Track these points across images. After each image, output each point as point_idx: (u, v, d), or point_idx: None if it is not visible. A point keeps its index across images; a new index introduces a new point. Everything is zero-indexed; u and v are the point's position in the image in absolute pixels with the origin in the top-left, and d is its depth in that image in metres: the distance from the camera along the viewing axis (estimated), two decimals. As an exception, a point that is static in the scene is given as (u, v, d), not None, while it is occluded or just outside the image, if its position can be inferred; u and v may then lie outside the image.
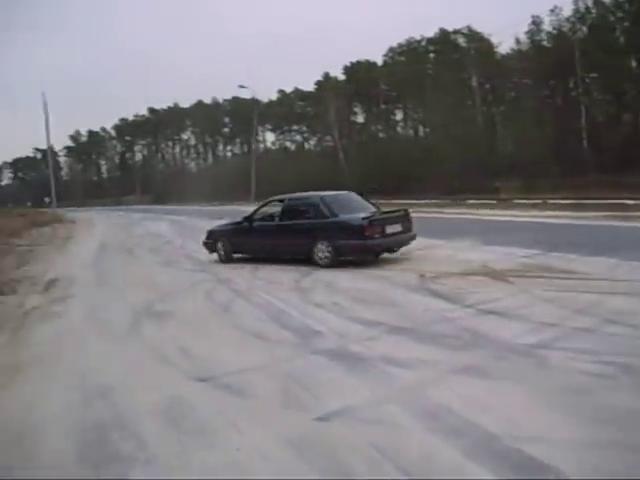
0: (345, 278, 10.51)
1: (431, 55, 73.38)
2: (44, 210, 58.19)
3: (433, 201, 36.80)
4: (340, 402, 4.75)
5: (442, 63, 66.73)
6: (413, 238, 13.44)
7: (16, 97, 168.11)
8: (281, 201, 14.28)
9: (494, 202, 33.63)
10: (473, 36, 67.05)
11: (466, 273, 10.30)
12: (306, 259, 12.55)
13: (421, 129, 78.87)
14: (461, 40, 69.08)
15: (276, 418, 4.60)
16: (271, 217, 14.23)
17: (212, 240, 15.05)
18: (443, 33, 70.58)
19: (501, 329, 6.52)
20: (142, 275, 12.91)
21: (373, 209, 13.59)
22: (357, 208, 13.36)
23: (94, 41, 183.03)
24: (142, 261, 15.77)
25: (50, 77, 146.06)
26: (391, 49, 76.40)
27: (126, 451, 4.23)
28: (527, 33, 58.60)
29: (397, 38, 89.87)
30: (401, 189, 49.78)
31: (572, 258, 11.18)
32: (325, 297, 8.89)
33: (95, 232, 30.31)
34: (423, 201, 36.93)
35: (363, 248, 12.30)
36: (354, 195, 14.68)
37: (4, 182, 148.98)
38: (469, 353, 5.78)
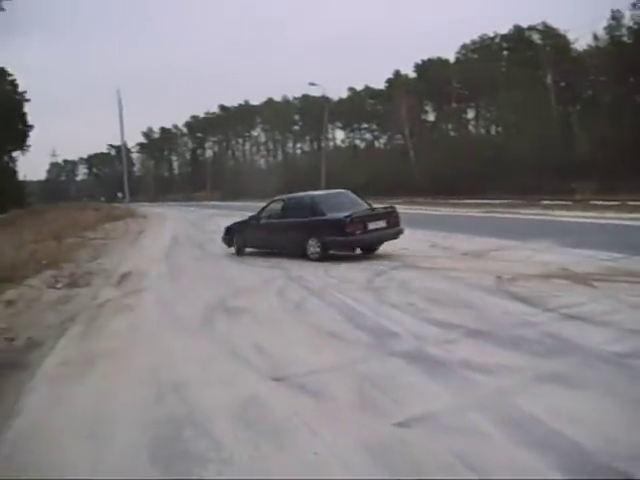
0: (419, 278, 10.27)
1: (505, 52, 72.02)
2: (117, 205, 59.46)
3: (506, 201, 35.99)
4: (420, 407, 4.56)
5: (516, 60, 65.41)
6: (399, 232, 14.57)
7: (92, 95, 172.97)
8: (282, 200, 15.82)
9: (570, 203, 32.70)
10: (549, 32, 65.43)
11: (545, 276, 9.94)
12: (301, 254, 13.84)
13: (493, 128, 77.55)
14: (536, 37, 67.46)
15: (354, 422, 4.44)
16: (274, 215, 15.53)
17: (229, 236, 16.65)
18: (517, 30, 69.09)
19: (587, 335, 6.21)
20: (214, 270, 12.96)
21: (363, 207, 14.55)
22: (346, 206, 14.33)
23: (167, 39, 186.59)
24: (214, 257, 15.83)
25: (124, 75, 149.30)
26: (464, 46, 75.41)
27: (199, 450, 4.15)
28: (606, 29, 56.77)
29: (470, 35, 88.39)
30: (473, 189, 48.97)
31: (659, 262, 10.74)
32: (400, 297, 8.68)
33: (167, 227, 30.76)
34: (496, 201, 36.18)
35: (346, 243, 13.66)
36: (348, 194, 15.71)
37: (79, 177, 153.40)
38: (554, 360, 5.51)
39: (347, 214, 13.53)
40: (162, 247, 19.04)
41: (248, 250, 15.79)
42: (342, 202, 14.84)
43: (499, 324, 6.87)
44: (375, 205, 14.93)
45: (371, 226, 13.74)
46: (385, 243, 14.50)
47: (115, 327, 8.01)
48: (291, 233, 14.54)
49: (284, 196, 16.33)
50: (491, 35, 72.70)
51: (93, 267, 14.50)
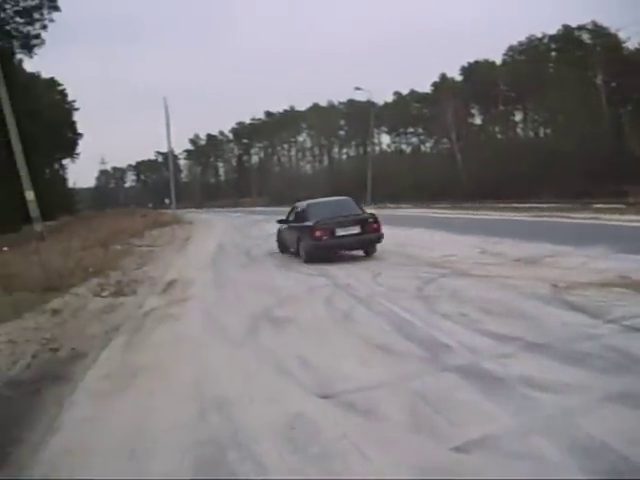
0: (471, 286, 9.91)
1: (553, 53, 70.83)
2: (164, 211, 59.93)
3: (556, 205, 35.24)
4: (479, 430, 4.25)
5: (565, 61, 64.24)
6: (379, 237, 15.41)
7: (140, 103, 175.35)
8: (294, 207, 17.27)
9: (623, 207, 31.83)
10: (598, 32, 64.13)
11: (603, 284, 9.49)
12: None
13: (542, 131, 76.39)
14: (585, 37, 66.19)
15: (407, 445, 4.15)
16: (290, 220, 17.00)
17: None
18: (566, 30, 67.83)
19: (655, 350, 5.84)
20: (259, 278, 12.77)
21: (352, 214, 15.66)
22: (335, 213, 15.38)
23: (214, 47, 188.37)
24: (260, 264, 15.68)
25: (172, 82, 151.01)
26: (511, 48, 74.36)
27: (244, 474, 3.91)
28: (659, 27, 55.44)
29: (518, 36, 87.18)
30: (521, 193, 48.15)
31: None
32: (451, 307, 8.33)
33: (213, 233, 30.81)
34: (546, 205, 35.45)
35: (316, 248, 14.80)
36: (347, 201, 16.91)
37: (128, 184, 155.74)
38: (622, 378, 5.13)
39: (317, 220, 14.88)
40: (208, 254, 18.95)
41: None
42: (334, 209, 15.83)
43: (558, 337, 6.50)
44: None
45: (340, 232, 14.78)
46: (433, 250, 14.60)
47: (159, 338, 7.84)
48: (294, 237, 16.03)
49: (297, 204, 17.45)
50: (539, 36, 71.49)
51: (139, 275, 14.45)
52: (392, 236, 20.39)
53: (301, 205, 16.77)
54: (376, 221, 15.41)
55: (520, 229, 21.11)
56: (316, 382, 5.51)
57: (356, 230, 14.90)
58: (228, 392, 5.37)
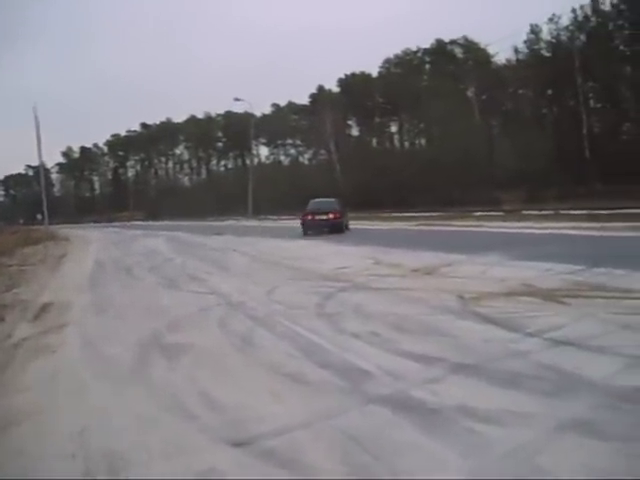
0: (374, 301, 9.32)
1: (427, 66, 72.79)
2: (36, 227, 56.93)
3: (436, 213, 35.76)
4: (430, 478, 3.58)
5: (439, 74, 66.12)
6: (340, 223, 28.08)
7: (7, 113, 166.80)
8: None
9: (501, 214, 32.67)
10: (470, 46, 66.64)
11: (509, 293, 9.21)
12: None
13: (418, 141, 78.23)
14: (458, 50, 68.55)
15: (348, 505, 3.42)
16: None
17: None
18: (439, 44, 69.98)
19: (590, 366, 5.36)
20: (144, 299, 11.67)
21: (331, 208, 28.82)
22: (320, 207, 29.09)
23: (84, 57, 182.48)
24: (143, 282, 14.54)
25: (41, 93, 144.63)
26: (387, 60, 75.92)
27: None
28: (526, 42, 58.05)
29: (393, 49, 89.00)
30: (400, 202, 48.82)
31: (620, 274, 10.20)
32: (359, 325, 7.65)
33: (90, 250, 29.18)
34: (426, 213, 35.90)
35: (305, 224, 28.08)
36: (333, 201, 30.55)
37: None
38: (568, 402, 4.58)
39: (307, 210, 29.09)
40: (86, 273, 17.60)
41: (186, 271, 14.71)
42: (322, 205, 29.62)
43: (483, 355, 5.96)
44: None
45: (317, 217, 27.96)
46: (324, 262, 14.71)
47: (33, 375, 6.68)
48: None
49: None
50: (414, 49, 73.25)
51: (8, 298, 13.04)
52: (278, 249, 19.94)
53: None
54: (340, 213, 28.67)
55: (408, 238, 21.05)
56: (225, 425, 4.65)
57: (327, 217, 27.61)
58: (120, 445, 4.38)
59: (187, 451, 4.26)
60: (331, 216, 27.71)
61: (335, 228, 27.15)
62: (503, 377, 5.26)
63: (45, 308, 11.60)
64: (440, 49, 69.42)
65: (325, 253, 17.50)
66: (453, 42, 68.31)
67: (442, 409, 4.61)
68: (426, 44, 71.50)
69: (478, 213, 32.70)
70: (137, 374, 6.33)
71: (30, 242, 35.47)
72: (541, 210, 30.66)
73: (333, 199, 31.23)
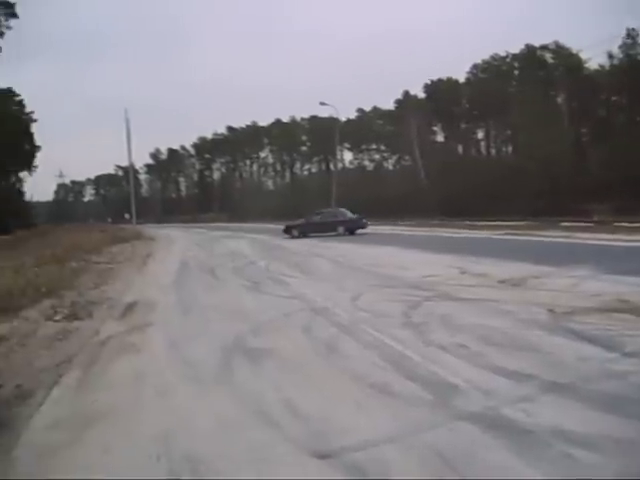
0: (461, 312, 9.08)
1: (516, 72, 71.30)
2: (124, 226, 58.44)
3: (522, 222, 34.90)
4: (524, 506, 3.40)
5: (527, 80, 64.61)
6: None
7: (100, 116, 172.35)
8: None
9: (590, 225, 31.59)
10: (561, 52, 64.80)
11: (603, 309, 8.77)
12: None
13: (504, 148, 76.77)
14: (548, 56, 66.81)
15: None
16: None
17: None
18: (529, 49, 68.36)
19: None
20: (228, 301, 11.74)
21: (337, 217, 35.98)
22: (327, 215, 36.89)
23: (173, 62, 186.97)
24: (226, 284, 14.67)
25: (132, 96, 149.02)
26: (475, 66, 74.68)
27: None
28: (621, 47, 55.97)
29: (481, 55, 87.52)
30: (485, 210, 47.92)
31: None
32: (447, 337, 7.46)
33: (175, 250, 29.71)
34: (512, 222, 35.07)
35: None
36: (342, 210, 38.25)
37: (87, 198, 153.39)
38: (674, 430, 4.33)
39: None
40: (171, 273, 17.88)
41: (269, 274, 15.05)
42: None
43: (578, 374, 5.69)
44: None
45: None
46: (409, 269, 14.53)
47: (117, 374, 6.79)
48: None
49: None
50: (503, 55, 71.87)
51: (96, 295, 13.36)
52: (364, 255, 19.74)
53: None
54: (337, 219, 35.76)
55: (494, 248, 20.51)
56: (309, 436, 4.57)
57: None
58: (203, 450, 4.36)
59: (271, 461, 4.19)
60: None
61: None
62: (601, 399, 5.00)
63: (131, 306, 11.82)
64: (530, 54, 67.77)
65: (410, 260, 17.26)
66: (544, 47, 66.62)
67: (535, 430, 4.41)
68: (515, 49, 70.52)
69: (566, 224, 31.71)
70: (221, 378, 6.33)
71: (117, 240, 36.36)
72: (632, 222, 29.48)
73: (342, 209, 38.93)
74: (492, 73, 71.91)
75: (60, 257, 20.95)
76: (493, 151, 78.45)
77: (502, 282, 11.93)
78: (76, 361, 7.54)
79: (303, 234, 34.79)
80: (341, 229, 34.86)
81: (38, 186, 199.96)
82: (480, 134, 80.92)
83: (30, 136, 79.69)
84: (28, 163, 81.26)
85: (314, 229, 35.34)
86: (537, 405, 4.95)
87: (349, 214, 36.77)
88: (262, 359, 6.94)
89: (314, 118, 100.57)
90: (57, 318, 10.66)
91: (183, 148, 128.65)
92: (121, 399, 5.82)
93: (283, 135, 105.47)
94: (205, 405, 5.46)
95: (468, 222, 39.14)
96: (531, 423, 4.55)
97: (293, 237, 34.58)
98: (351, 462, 4.04)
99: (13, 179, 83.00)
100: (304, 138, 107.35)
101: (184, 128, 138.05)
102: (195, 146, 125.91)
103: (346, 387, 5.75)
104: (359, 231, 34.68)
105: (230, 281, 15.12)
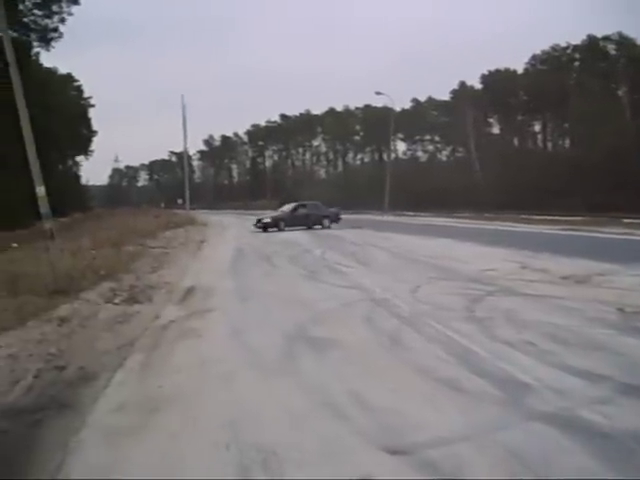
0: (526, 308, 8.87)
1: (576, 63, 69.70)
2: (177, 211, 59.00)
3: (580, 218, 34.11)
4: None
5: (588, 72, 63.07)
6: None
7: (154, 102, 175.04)
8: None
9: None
10: (624, 43, 63.00)
11: (675, 310, 8.49)
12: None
13: (561, 141, 75.22)
14: (611, 47, 65.06)
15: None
16: None
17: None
18: (591, 40, 66.64)
19: None
20: (286, 289, 11.72)
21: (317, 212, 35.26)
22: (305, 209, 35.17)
23: (230, 48, 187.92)
24: (283, 271, 14.67)
25: (187, 83, 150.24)
26: (534, 57, 73.16)
27: None
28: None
29: (541, 46, 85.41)
30: (541, 204, 47.00)
31: None
32: (513, 333, 7.26)
33: (229, 236, 29.86)
34: (570, 217, 34.31)
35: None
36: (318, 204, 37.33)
37: (140, 183, 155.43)
38: None
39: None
40: (226, 259, 17.95)
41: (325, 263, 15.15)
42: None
43: (657, 377, 5.48)
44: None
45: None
46: (467, 263, 14.41)
47: (181, 359, 6.78)
48: None
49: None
50: (563, 45, 70.28)
51: (154, 280, 13.46)
52: (419, 247, 19.50)
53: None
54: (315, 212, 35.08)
55: (552, 243, 20.13)
56: (380, 430, 4.46)
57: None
58: (272, 441, 4.28)
59: (341, 454, 4.10)
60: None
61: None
62: (682, 405, 4.79)
63: (189, 291, 11.87)
64: (592, 45, 66.19)
65: (466, 253, 17.01)
66: (606, 38, 65.01)
67: (616, 434, 4.23)
68: (577, 40, 68.92)
69: (628, 220, 30.85)
70: (285, 366, 6.27)
71: (171, 225, 36.67)
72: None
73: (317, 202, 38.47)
74: (551, 64, 70.32)
75: (116, 241, 21.16)
76: (549, 144, 76.88)
77: (565, 278, 11.65)
78: (138, 345, 7.57)
79: (287, 227, 33.63)
80: (327, 222, 34.59)
81: (94, 170, 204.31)
82: (537, 127, 79.37)
83: (87, 121, 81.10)
84: (85, 148, 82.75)
85: (299, 222, 34.28)
86: (614, 408, 4.76)
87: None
88: (325, 349, 6.86)
89: (368, 107, 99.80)
90: (117, 301, 10.76)
91: (236, 135, 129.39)
92: (186, 385, 5.79)
93: (336, 124, 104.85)
94: (271, 394, 5.40)
95: (523, 216, 38.42)
96: (609, 426, 4.37)
97: (267, 231, 32.74)
98: (425, 459, 3.92)
99: (70, 163, 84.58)
100: (357, 127, 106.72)
101: (238, 116, 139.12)
102: (248, 133, 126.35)
103: (412, 380, 5.64)
104: (408, 221, 36.19)
105: (286, 269, 15.10)
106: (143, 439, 4.54)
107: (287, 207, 36.86)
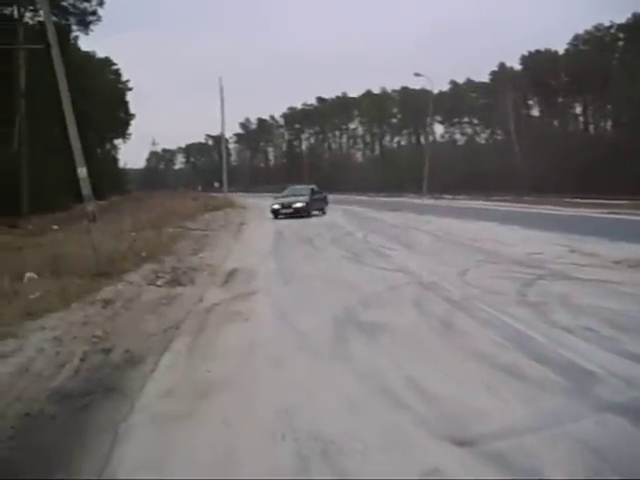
0: (580, 292, 8.52)
1: (620, 43, 68.05)
2: (214, 194, 59.13)
3: (625, 201, 33.34)
4: None
5: (633, 52, 61.47)
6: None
7: (190, 86, 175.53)
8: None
9: None
10: (671, 21, 61.31)
11: None
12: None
13: (603, 124, 73.72)
14: (658, 26, 63.32)
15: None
16: None
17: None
18: (636, 18, 64.89)
19: None
20: (330, 272, 11.52)
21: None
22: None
23: (265, 31, 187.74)
24: (326, 254, 14.48)
25: (223, 66, 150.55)
26: (576, 37, 71.60)
27: None
28: None
29: (584, 25, 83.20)
30: (583, 187, 46.10)
31: None
32: (570, 318, 6.95)
33: (268, 219, 29.72)
34: (614, 201, 33.55)
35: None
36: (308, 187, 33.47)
37: (177, 166, 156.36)
38: None
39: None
40: (267, 241, 17.84)
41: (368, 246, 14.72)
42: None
43: None
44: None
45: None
46: (513, 246, 14.25)
47: (229, 342, 6.61)
48: None
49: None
50: (607, 25, 68.59)
51: (195, 262, 13.37)
52: (462, 229, 19.18)
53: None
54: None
55: (599, 227, 19.64)
56: (442, 419, 4.23)
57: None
58: (330, 430, 4.07)
59: (405, 445, 3.88)
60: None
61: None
62: None
63: (232, 274, 11.74)
64: (636, 24, 64.53)
65: (510, 236, 16.64)
66: (653, 16, 63.39)
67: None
68: (621, 19, 67.24)
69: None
70: (337, 351, 6.07)
71: (210, 208, 36.65)
72: None
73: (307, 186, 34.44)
74: (594, 45, 68.75)
75: (156, 223, 21.14)
76: (591, 127, 75.39)
77: (617, 263, 11.25)
78: (183, 327, 7.43)
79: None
80: (325, 207, 32.89)
81: (131, 153, 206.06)
82: (578, 109, 77.83)
83: (125, 104, 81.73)
84: (123, 131, 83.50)
85: (317, 207, 31.74)
86: (691, 398, 4.48)
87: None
88: (376, 333, 6.65)
89: (405, 89, 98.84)
90: (159, 283, 10.67)
91: (272, 118, 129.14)
92: (235, 370, 5.62)
93: (373, 106, 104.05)
94: (325, 380, 5.20)
95: (566, 200, 37.75)
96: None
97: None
98: (494, 452, 3.69)
99: (108, 146, 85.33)
100: (394, 110, 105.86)
101: (274, 98, 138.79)
102: (284, 116, 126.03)
103: (471, 367, 5.40)
104: (447, 204, 35.01)
105: (329, 251, 14.91)
106: (194, 427, 4.36)
107: (300, 191, 33.00)
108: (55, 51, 12.14)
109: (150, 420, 4.55)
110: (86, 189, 12.08)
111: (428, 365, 5.50)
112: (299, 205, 29.94)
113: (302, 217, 28.57)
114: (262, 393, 4.97)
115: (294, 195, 31.83)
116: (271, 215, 30.24)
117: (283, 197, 32.45)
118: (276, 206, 30.49)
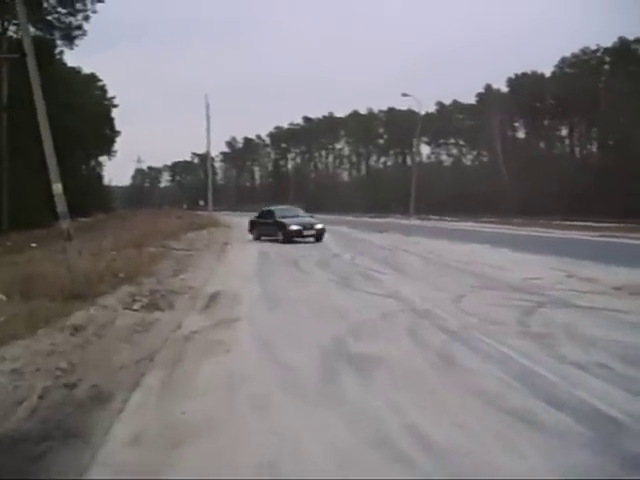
0: (585, 322, 7.99)
1: (606, 67, 68.35)
2: (200, 213, 58.51)
3: (615, 224, 33.09)
4: None
5: (619, 75, 61.67)
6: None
7: (177, 104, 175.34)
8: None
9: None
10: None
11: None
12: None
13: (589, 146, 73.89)
14: (643, 50, 63.66)
15: None
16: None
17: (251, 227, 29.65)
18: (622, 42, 65.25)
19: None
20: (317, 297, 10.90)
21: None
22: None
23: (252, 50, 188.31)
24: (313, 277, 13.87)
25: (209, 85, 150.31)
26: (563, 60, 71.90)
27: None
28: None
29: (570, 48, 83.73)
30: (571, 210, 46.00)
31: None
32: (579, 352, 6.38)
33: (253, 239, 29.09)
34: (604, 224, 33.29)
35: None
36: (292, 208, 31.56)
37: (163, 184, 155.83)
38: None
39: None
40: (251, 262, 17.22)
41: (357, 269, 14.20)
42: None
43: None
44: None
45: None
46: (507, 270, 13.74)
47: (207, 378, 5.94)
48: None
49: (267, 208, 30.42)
50: (593, 48, 68.94)
51: (176, 284, 12.72)
52: (453, 252, 18.66)
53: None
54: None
55: (592, 250, 19.22)
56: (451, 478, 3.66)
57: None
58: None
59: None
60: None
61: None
62: None
63: (214, 297, 11.12)
64: (623, 48, 64.79)
65: (503, 260, 16.13)
66: (638, 40, 63.63)
67: None
68: (608, 42, 67.56)
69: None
70: (326, 390, 5.44)
71: (194, 227, 35.96)
72: None
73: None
74: (581, 68, 69.01)
75: (138, 242, 20.49)
76: (577, 149, 75.55)
77: (618, 289, 10.78)
78: (158, 359, 6.79)
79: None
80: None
81: (116, 171, 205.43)
82: (564, 131, 77.97)
83: (111, 121, 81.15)
84: (108, 148, 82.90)
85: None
86: None
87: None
88: (370, 369, 6.02)
89: (392, 110, 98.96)
90: (136, 307, 10.01)
91: (259, 137, 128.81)
92: (214, 412, 4.96)
93: (360, 127, 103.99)
94: (313, 426, 4.56)
95: (555, 222, 37.46)
96: None
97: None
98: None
99: (93, 163, 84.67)
100: (381, 130, 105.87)
101: (260, 118, 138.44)
102: (271, 135, 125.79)
103: (478, 412, 4.79)
104: (435, 225, 33.77)
105: (316, 274, 14.30)
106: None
107: (295, 211, 30.02)
108: (31, 60, 11.57)
109: (112, 474, 3.93)
110: (61, 206, 11.44)
111: (430, 409, 4.89)
112: (320, 226, 26.25)
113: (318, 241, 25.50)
114: (243, 442, 4.32)
115: (297, 216, 28.18)
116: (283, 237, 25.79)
117: (293, 217, 27.68)
118: (295, 227, 25.80)
